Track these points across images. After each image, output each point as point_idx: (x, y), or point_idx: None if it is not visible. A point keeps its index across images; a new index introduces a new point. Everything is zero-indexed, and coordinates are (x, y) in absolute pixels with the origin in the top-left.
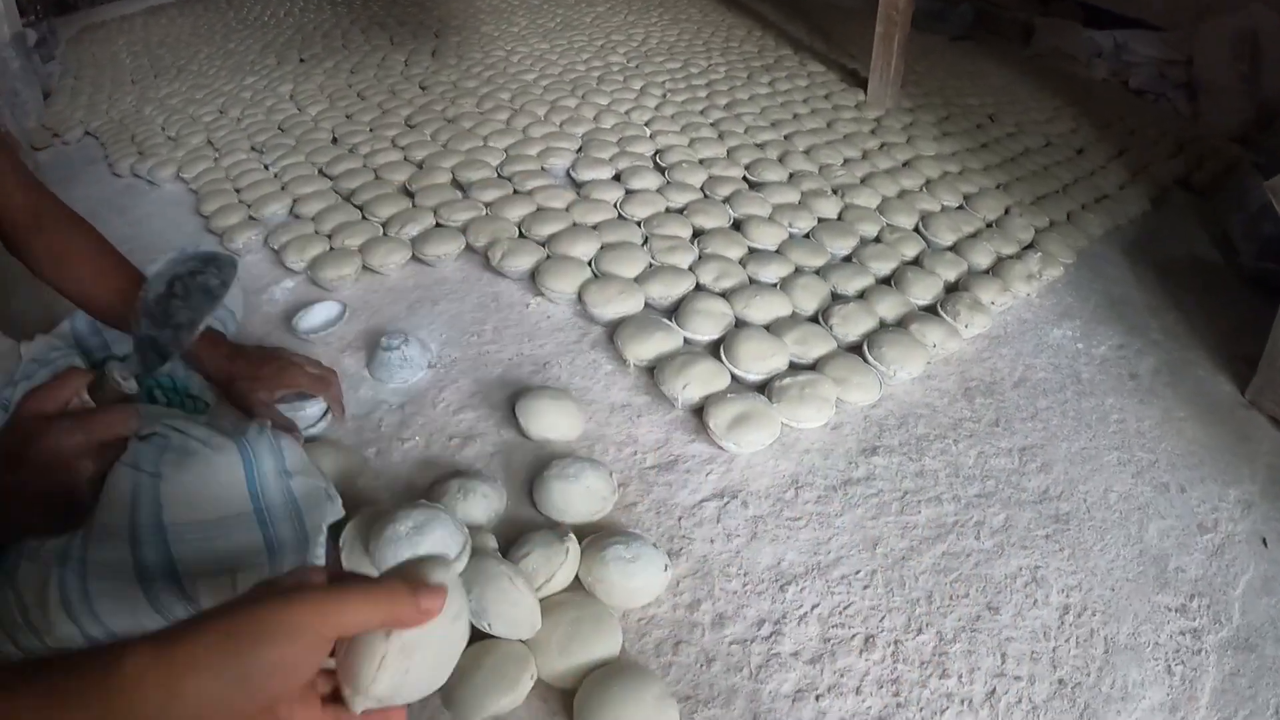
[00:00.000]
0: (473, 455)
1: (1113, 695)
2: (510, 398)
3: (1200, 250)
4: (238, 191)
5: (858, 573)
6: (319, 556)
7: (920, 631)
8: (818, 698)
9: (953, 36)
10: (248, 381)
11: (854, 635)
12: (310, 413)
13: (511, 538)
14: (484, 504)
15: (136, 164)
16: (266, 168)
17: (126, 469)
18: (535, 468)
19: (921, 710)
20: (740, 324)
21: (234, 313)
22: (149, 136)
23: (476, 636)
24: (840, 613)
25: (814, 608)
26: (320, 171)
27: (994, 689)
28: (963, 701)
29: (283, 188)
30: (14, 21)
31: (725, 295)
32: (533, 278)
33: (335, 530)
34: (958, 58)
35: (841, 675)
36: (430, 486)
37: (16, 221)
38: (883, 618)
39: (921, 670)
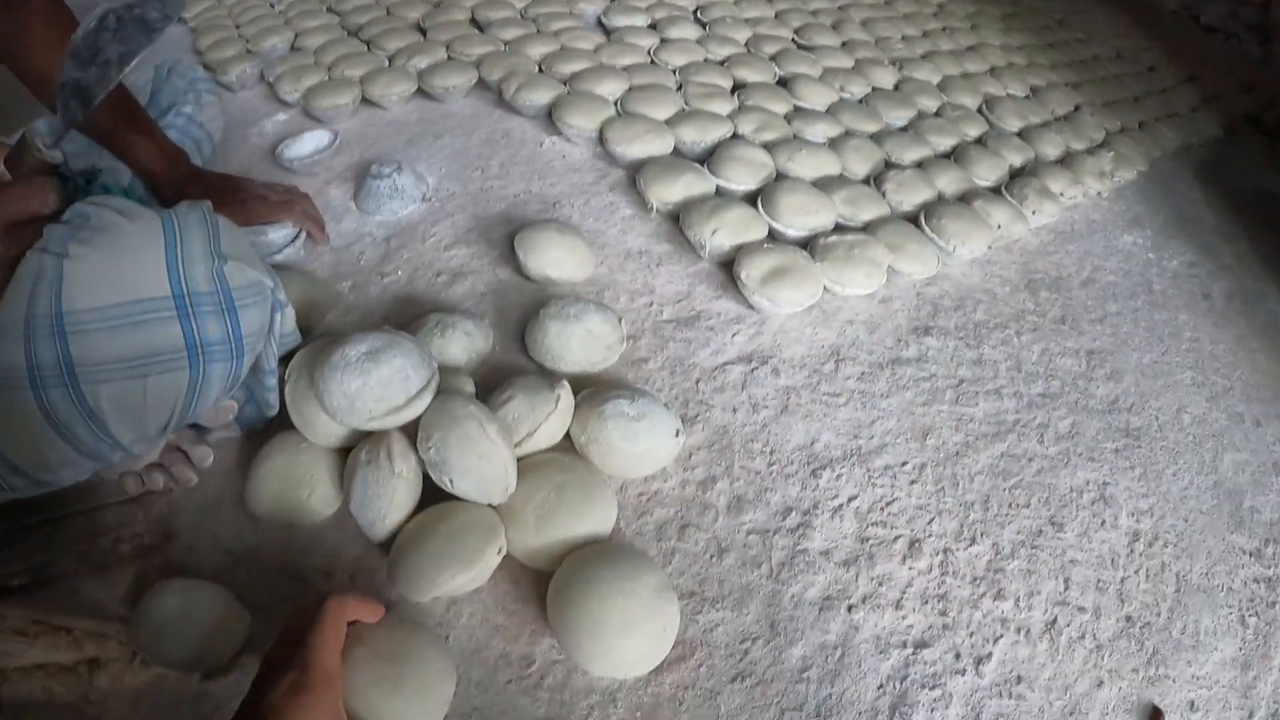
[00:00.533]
0: (460, 294)
1: (1183, 642)
2: (511, 234)
3: (1271, 186)
4: (237, 27)
5: (904, 464)
6: (269, 387)
7: (974, 541)
8: (850, 608)
9: None
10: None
11: (897, 537)
12: (274, 238)
13: (493, 386)
14: (465, 342)
15: None
16: (272, 5)
17: (34, 254)
18: (531, 310)
19: (971, 635)
20: (781, 177)
21: (211, 135)
22: None
23: (436, 497)
24: (882, 509)
25: (851, 500)
26: (328, 9)
27: (1054, 619)
28: (1019, 630)
29: (286, 22)
30: None
31: (766, 147)
32: (550, 115)
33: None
34: None
35: (880, 584)
36: (406, 323)
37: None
38: (931, 520)
39: (974, 588)
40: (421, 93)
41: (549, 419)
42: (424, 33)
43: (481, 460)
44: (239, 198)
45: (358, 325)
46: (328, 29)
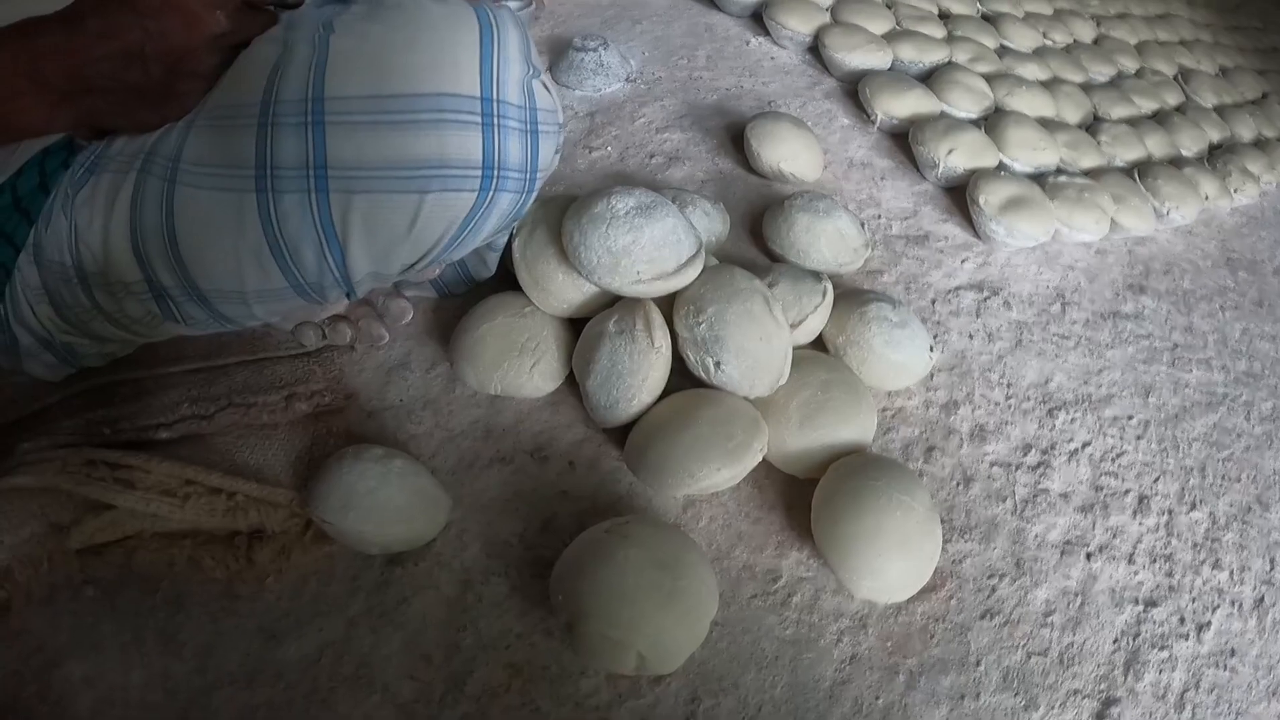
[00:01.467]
0: (679, 177)
1: None
2: (728, 126)
3: None
4: None
5: (1131, 418)
6: (496, 245)
7: (1194, 507)
8: (1088, 556)
9: None
10: None
11: (1128, 491)
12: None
13: None
14: (704, 222)
15: None
16: None
17: (276, 40)
18: (760, 204)
19: (1194, 601)
20: (1000, 110)
21: None
22: None
23: (686, 383)
24: (1114, 460)
25: (1085, 446)
26: None
27: (1262, 597)
28: (1233, 603)
29: None
30: None
31: (984, 78)
32: (756, 17)
33: None
34: None
35: (1114, 535)
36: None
37: None
38: (1156, 479)
39: (1195, 553)
40: None
41: (816, 311)
42: None
43: (762, 343)
44: None
45: (565, 195)
46: None
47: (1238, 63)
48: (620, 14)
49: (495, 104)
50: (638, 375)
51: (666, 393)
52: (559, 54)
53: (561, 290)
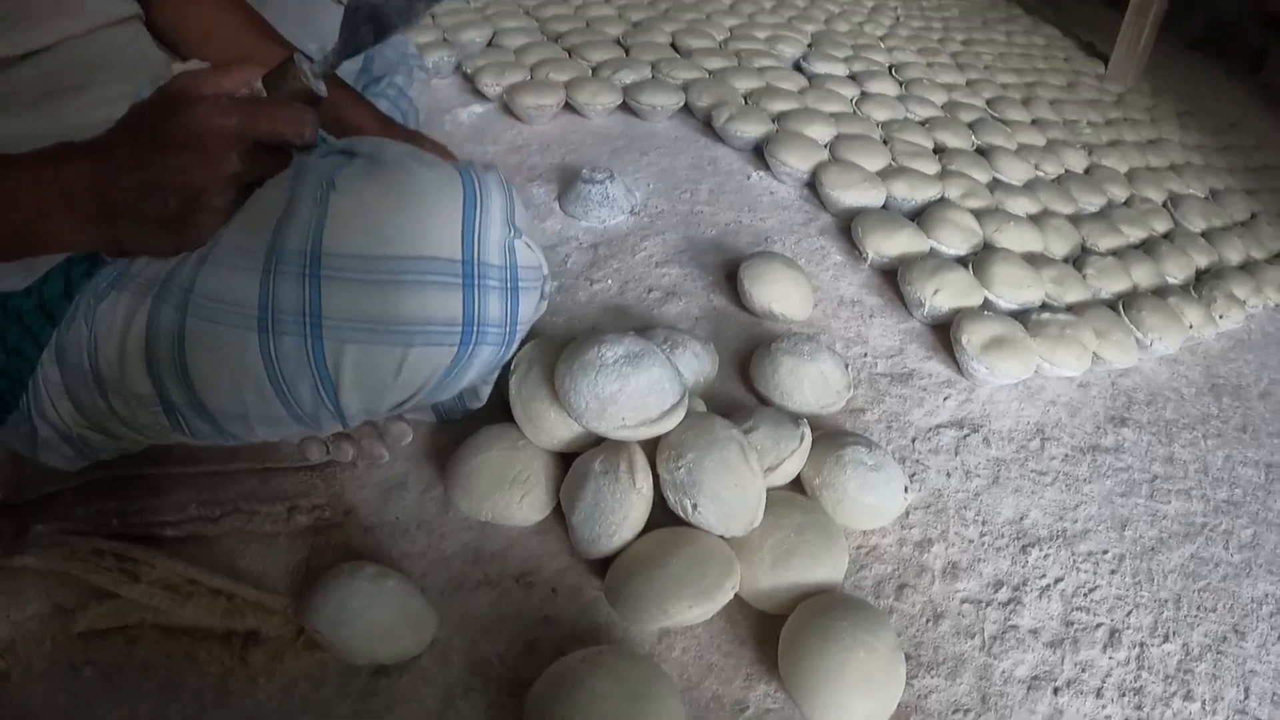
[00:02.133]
0: (675, 313)
1: None
2: (725, 263)
3: None
4: (433, 16)
5: (1105, 553)
6: (489, 379)
7: (1167, 639)
8: (1055, 691)
9: (1184, 44)
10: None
11: (1099, 625)
12: None
13: (717, 413)
14: (694, 364)
15: None
16: (468, 1)
17: (284, 185)
18: (750, 343)
19: None
20: (989, 247)
21: (417, 111)
22: None
23: (666, 520)
24: (1086, 594)
25: (1057, 581)
26: (526, 11)
27: None
28: None
29: (484, 18)
30: None
31: (974, 214)
32: (758, 151)
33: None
34: (1192, 65)
35: (1083, 670)
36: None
37: (210, 31)
38: (1129, 612)
39: (1166, 685)
40: (625, 107)
41: (792, 456)
42: (626, 50)
43: (737, 489)
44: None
45: (565, 329)
46: (527, 31)
47: (1228, 184)
48: (630, 144)
49: (476, 265)
50: (619, 513)
51: (648, 528)
52: (568, 183)
53: (553, 428)
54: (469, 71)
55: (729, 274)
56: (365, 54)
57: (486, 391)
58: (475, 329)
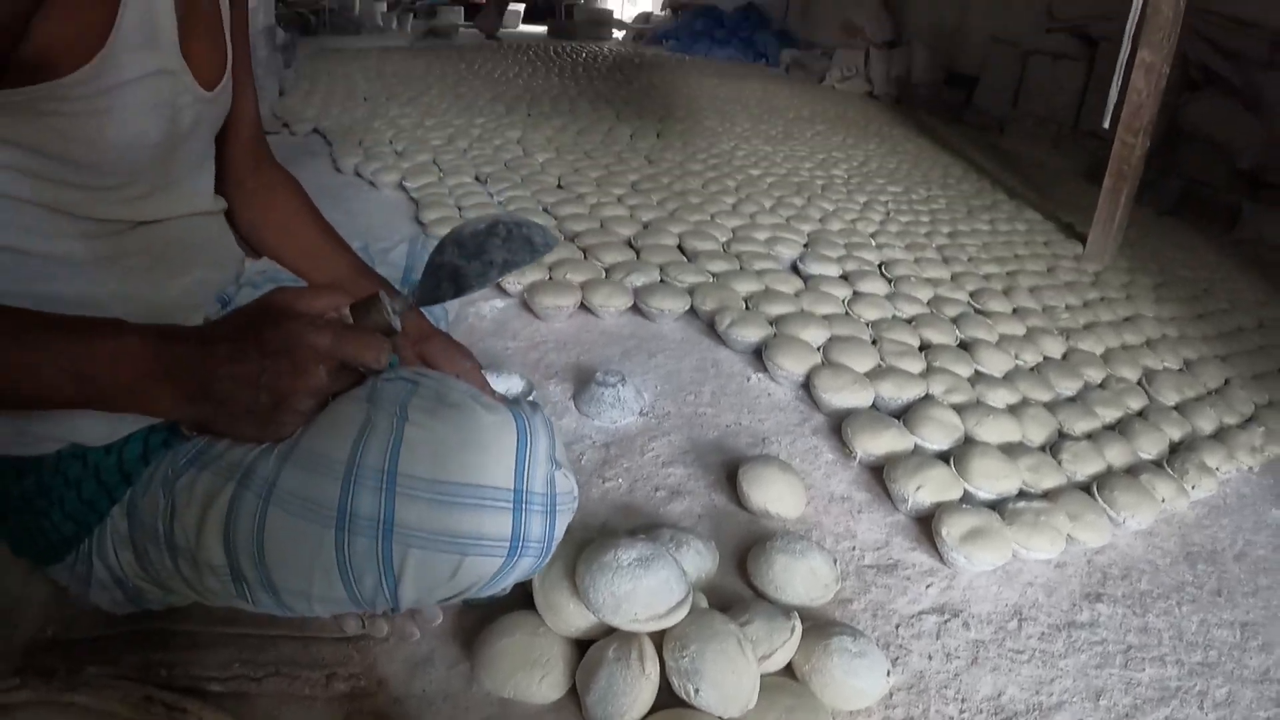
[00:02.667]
0: (679, 512)
1: None
2: (725, 463)
3: None
4: (460, 209)
5: None
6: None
7: None
8: None
9: (1160, 211)
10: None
11: None
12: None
13: (715, 604)
14: (696, 561)
15: (361, 164)
16: (490, 195)
17: (360, 402)
18: (747, 539)
19: None
20: (969, 440)
21: (447, 313)
22: (376, 144)
23: (671, 702)
24: None
25: None
26: (545, 209)
27: None
28: None
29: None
30: (269, 13)
31: (955, 409)
32: (757, 353)
33: None
34: (1166, 231)
35: None
36: (630, 531)
37: (287, 224)
38: None
39: None
40: (635, 308)
41: (784, 646)
42: (637, 251)
43: (734, 675)
44: (468, 366)
45: (580, 526)
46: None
47: (1201, 353)
48: (639, 346)
49: (524, 494)
50: (629, 696)
51: (655, 709)
52: (583, 383)
53: (571, 617)
54: None
55: (729, 474)
56: (405, 263)
57: (511, 584)
58: (520, 544)
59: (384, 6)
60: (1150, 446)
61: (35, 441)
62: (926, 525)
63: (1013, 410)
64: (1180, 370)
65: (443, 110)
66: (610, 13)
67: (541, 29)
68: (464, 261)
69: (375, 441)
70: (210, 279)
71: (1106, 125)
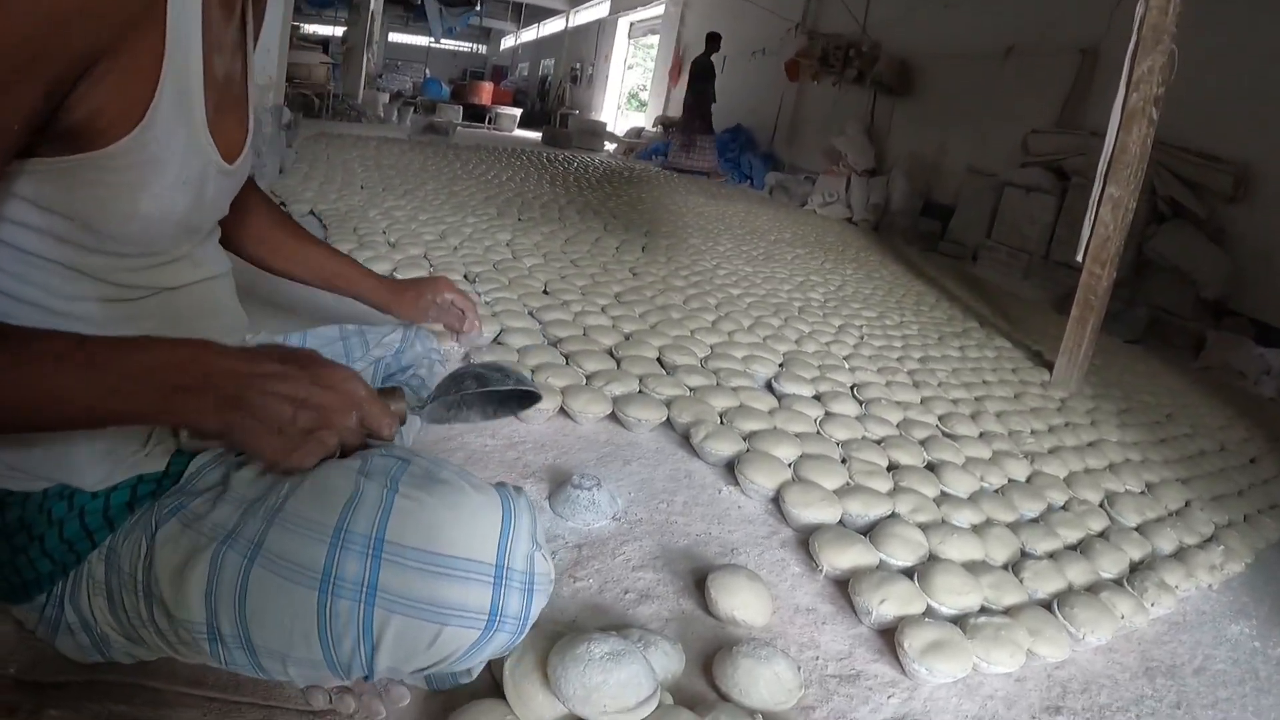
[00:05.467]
0: (647, 614)
1: None
2: (694, 570)
3: None
4: None
5: None
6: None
7: None
8: None
9: (1126, 339)
10: (409, 293)
11: None
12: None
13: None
14: (663, 662)
15: (354, 252)
16: (479, 295)
17: (351, 471)
18: (713, 644)
19: None
20: (934, 558)
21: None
22: (370, 234)
23: None
24: None
25: None
26: (530, 313)
27: None
28: None
29: (493, 315)
30: (279, 93)
31: (920, 527)
32: (730, 466)
33: None
34: (1132, 359)
35: None
36: (603, 630)
37: (263, 235)
38: None
39: None
40: (613, 416)
41: None
42: (618, 361)
43: None
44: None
45: (548, 623)
46: (530, 333)
47: (1163, 476)
48: (615, 452)
49: (505, 569)
50: None
51: None
52: (559, 484)
53: (540, 708)
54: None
55: (698, 580)
56: (397, 346)
57: (478, 669)
58: (498, 618)
59: (386, 98)
60: (1111, 565)
61: (26, 478)
62: (890, 637)
63: (977, 530)
64: (1142, 493)
65: (436, 206)
66: (604, 124)
67: (535, 134)
68: (456, 411)
69: (364, 510)
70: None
71: (1080, 259)
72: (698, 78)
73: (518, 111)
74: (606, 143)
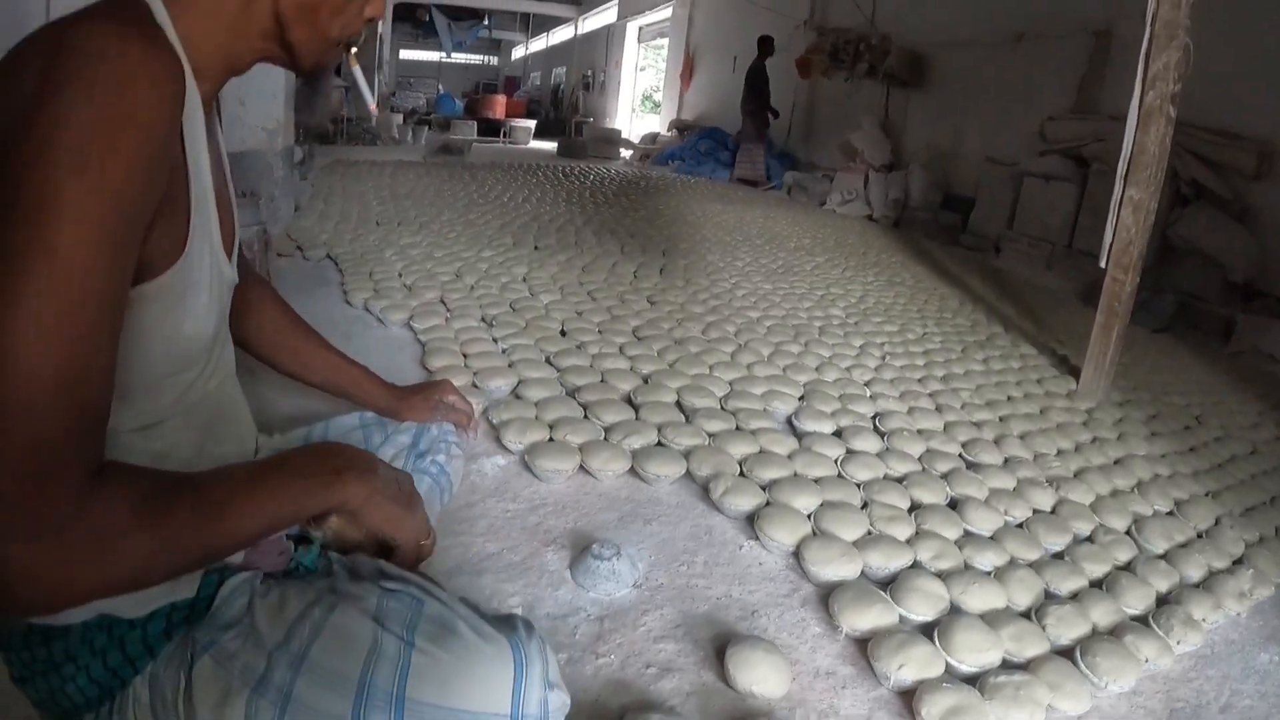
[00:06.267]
0: (668, 690)
1: None
2: (715, 638)
3: None
4: (465, 356)
5: None
6: None
7: None
8: None
9: (1153, 329)
10: (416, 397)
11: None
12: None
13: None
14: None
15: (370, 300)
16: (495, 341)
17: (368, 619)
18: (734, 717)
19: None
20: (955, 609)
21: (453, 484)
22: (386, 279)
23: None
24: None
25: None
26: (547, 360)
27: None
28: None
29: (510, 365)
30: (288, 135)
31: (942, 576)
32: (750, 520)
33: None
34: (1160, 351)
35: None
36: (619, 709)
37: (277, 340)
38: None
39: None
40: (633, 471)
41: None
42: (636, 409)
43: None
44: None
45: (573, 701)
46: (547, 383)
47: (1192, 492)
48: (635, 511)
49: (520, 717)
50: None
51: None
52: (579, 551)
53: None
54: (495, 422)
55: (719, 649)
56: (414, 431)
57: None
58: None
59: (400, 118)
60: (1136, 602)
61: (66, 614)
62: (910, 700)
63: (999, 573)
64: (1170, 513)
65: (452, 240)
66: (618, 132)
67: (551, 145)
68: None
69: (384, 666)
70: (245, 449)
71: (1104, 264)
72: (749, 85)
73: (532, 124)
74: (622, 150)
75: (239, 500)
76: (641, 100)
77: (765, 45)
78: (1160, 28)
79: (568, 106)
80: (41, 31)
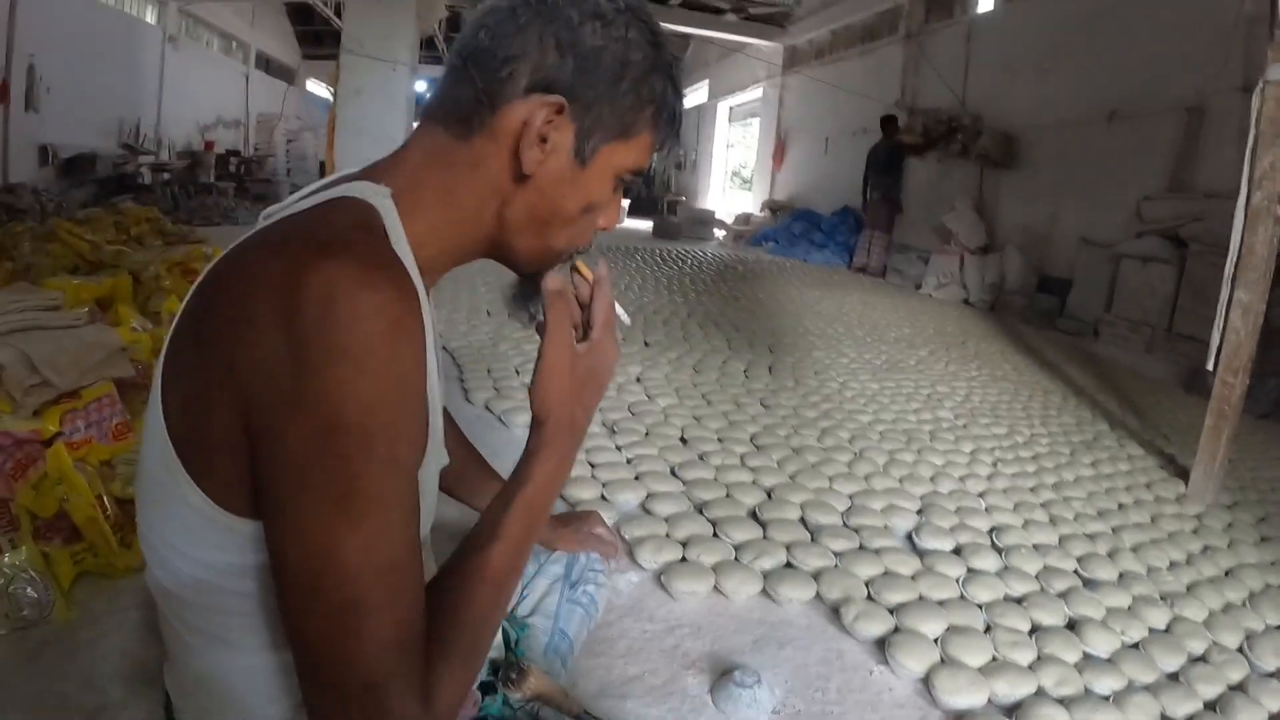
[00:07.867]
0: None
1: None
2: None
3: None
4: (592, 466)
5: None
6: None
7: None
8: None
9: (1256, 415)
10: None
11: None
12: None
13: None
14: None
15: (492, 401)
16: (619, 449)
17: None
18: None
19: None
20: None
21: (599, 610)
22: (504, 376)
23: None
24: None
25: None
26: (672, 471)
27: None
28: None
29: (636, 478)
30: None
31: (1064, 703)
32: (880, 645)
33: None
34: (1266, 441)
35: None
36: None
37: (460, 473)
38: None
39: None
40: (764, 592)
41: None
42: (763, 526)
43: None
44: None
45: None
46: (674, 498)
47: None
48: (768, 634)
49: None
50: None
51: None
52: (719, 676)
53: None
54: (628, 539)
55: None
56: (565, 561)
57: None
58: None
59: None
60: None
61: None
62: None
63: (1117, 698)
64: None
65: None
66: (712, 213)
67: (645, 224)
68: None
69: None
70: None
71: (1211, 367)
72: (882, 167)
73: (627, 203)
74: (716, 230)
75: (513, 579)
76: (731, 176)
77: (890, 126)
78: (1266, 125)
79: (660, 185)
80: (265, 264)
